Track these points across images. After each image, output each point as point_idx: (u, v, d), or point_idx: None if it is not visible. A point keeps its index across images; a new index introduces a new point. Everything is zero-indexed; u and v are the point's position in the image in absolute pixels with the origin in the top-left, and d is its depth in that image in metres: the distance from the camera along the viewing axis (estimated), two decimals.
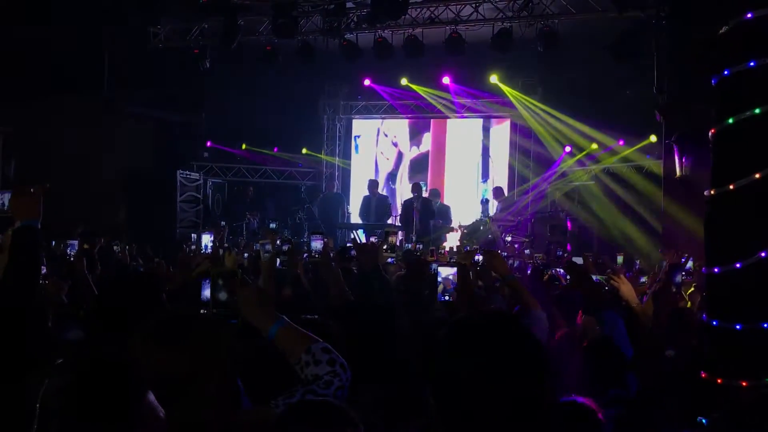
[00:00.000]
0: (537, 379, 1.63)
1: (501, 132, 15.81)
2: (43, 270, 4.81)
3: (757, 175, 2.61)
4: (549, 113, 14.07)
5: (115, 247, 7.93)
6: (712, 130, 2.78)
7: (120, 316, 2.79)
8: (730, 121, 2.68)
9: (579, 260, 9.79)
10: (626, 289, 4.33)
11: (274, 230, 7.25)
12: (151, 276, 4.24)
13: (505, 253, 8.81)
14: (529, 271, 7.51)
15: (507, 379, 1.60)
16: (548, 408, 1.64)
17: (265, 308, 2.21)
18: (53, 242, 6.38)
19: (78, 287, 4.64)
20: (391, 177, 16.67)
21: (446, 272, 4.88)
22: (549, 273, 6.62)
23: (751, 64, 2.63)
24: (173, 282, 4.74)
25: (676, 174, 10.22)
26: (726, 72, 2.72)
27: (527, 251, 11.30)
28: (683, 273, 6.11)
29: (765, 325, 2.62)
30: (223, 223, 12.78)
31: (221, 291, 2.13)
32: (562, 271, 6.48)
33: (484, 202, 13.79)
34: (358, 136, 17.11)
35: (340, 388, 2.06)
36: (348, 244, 8.21)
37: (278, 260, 5.54)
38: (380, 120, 16.84)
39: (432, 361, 1.74)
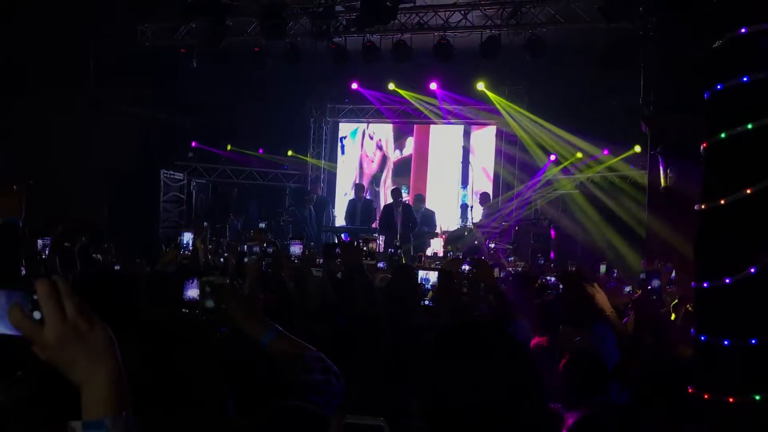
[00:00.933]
0: (520, 385, 1.68)
1: (484, 138, 15.85)
2: (23, 271, 4.71)
3: (749, 191, 2.60)
4: (535, 121, 14.12)
5: (95, 256, 7.79)
6: (704, 144, 2.77)
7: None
8: (723, 135, 2.67)
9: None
10: (600, 297, 4.35)
11: (264, 230, 7.18)
12: (130, 277, 4.18)
13: (491, 262, 8.81)
14: (511, 278, 7.50)
15: (490, 385, 1.65)
16: (530, 413, 1.67)
17: (258, 316, 2.19)
18: (38, 241, 6.25)
19: None
20: (375, 180, 16.65)
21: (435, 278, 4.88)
22: (540, 281, 6.61)
23: (745, 79, 2.62)
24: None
25: (660, 185, 10.27)
26: (719, 86, 2.71)
27: (510, 258, 11.33)
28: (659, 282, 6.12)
29: (753, 341, 2.61)
30: (205, 223, 12.70)
31: (208, 299, 2.09)
32: (553, 279, 6.49)
33: (464, 208, 13.81)
34: (344, 137, 17.08)
35: (334, 396, 2.07)
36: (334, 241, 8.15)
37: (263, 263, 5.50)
38: (366, 122, 16.85)
39: (416, 364, 1.78)
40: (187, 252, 6.81)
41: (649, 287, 4.70)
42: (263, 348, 2.11)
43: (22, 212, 2.75)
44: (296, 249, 6.07)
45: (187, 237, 7.82)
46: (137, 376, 1.70)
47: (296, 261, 5.70)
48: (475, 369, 1.67)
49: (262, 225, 7.07)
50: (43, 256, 5.85)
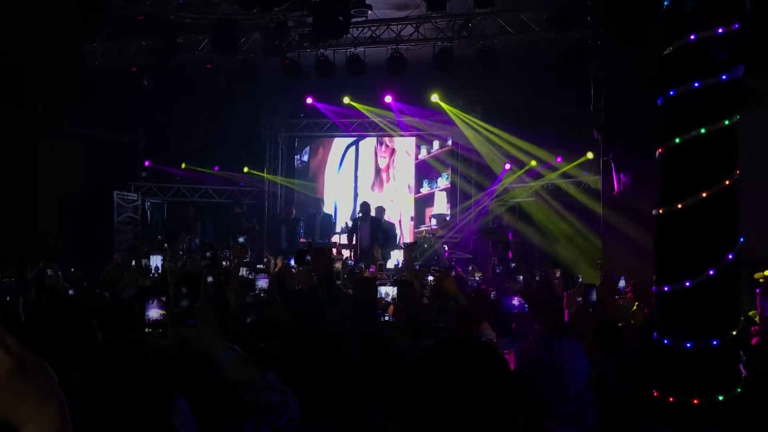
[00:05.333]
0: (508, 403, 1.66)
1: (439, 149, 15.96)
2: None
3: (704, 194, 2.66)
4: (489, 131, 14.25)
5: (49, 271, 7.61)
6: (660, 150, 2.83)
7: (47, 348, 2.66)
8: (677, 140, 2.73)
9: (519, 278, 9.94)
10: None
11: (243, 245, 6.97)
12: (80, 305, 4.09)
13: (453, 272, 8.83)
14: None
15: (480, 404, 1.62)
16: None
17: (219, 335, 2.17)
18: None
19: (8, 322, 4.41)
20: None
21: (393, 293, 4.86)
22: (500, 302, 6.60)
23: (696, 84, 2.68)
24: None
25: (614, 190, 10.45)
26: (671, 92, 2.77)
27: (470, 268, 11.39)
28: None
29: (715, 343, 2.65)
30: (165, 245, 12.47)
31: (184, 299, 2.05)
32: (516, 301, 6.49)
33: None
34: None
35: (292, 419, 2.07)
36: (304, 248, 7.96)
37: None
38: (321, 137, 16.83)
39: (394, 380, 1.76)
40: (154, 275, 6.70)
41: (590, 300, 4.74)
42: (221, 367, 2.11)
43: None
44: (263, 283, 6.01)
45: (156, 260, 7.65)
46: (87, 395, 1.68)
47: (263, 295, 5.66)
48: (464, 387, 1.65)
49: (241, 240, 6.73)
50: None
